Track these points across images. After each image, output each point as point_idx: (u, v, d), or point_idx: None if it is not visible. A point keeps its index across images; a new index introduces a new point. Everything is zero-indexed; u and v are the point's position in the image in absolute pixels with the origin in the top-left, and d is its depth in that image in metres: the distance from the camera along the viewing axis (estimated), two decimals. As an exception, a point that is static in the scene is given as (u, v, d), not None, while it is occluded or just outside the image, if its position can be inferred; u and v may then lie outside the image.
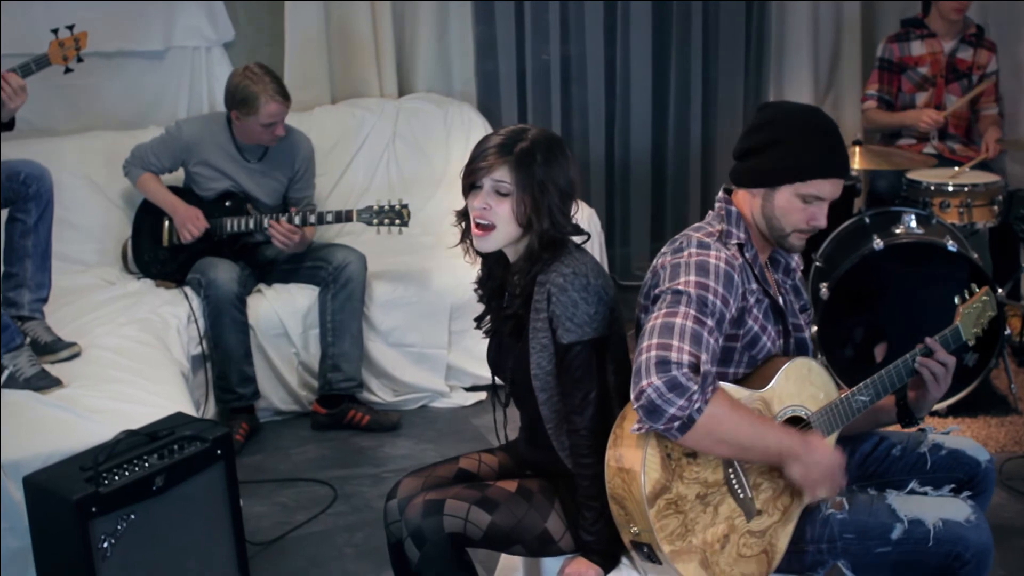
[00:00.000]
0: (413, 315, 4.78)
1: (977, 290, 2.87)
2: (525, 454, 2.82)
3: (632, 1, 6.04)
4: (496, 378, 2.83)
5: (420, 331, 4.80)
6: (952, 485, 2.66)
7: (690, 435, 2.31)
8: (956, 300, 2.84)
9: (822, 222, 2.57)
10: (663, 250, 2.60)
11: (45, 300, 3.98)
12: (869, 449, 2.80)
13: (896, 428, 2.81)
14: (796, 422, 2.58)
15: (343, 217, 4.56)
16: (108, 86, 5.26)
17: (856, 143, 4.76)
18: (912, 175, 4.92)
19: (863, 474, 2.78)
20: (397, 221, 4.51)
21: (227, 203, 4.66)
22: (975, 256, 4.40)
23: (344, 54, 5.61)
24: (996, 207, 4.81)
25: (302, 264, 4.70)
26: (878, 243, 4.34)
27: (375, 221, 4.52)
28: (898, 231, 4.48)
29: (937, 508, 2.51)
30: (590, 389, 2.55)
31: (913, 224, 4.50)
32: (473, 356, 4.84)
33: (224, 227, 4.62)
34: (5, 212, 3.93)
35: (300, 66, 5.44)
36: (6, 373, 3.62)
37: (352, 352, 4.59)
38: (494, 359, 2.78)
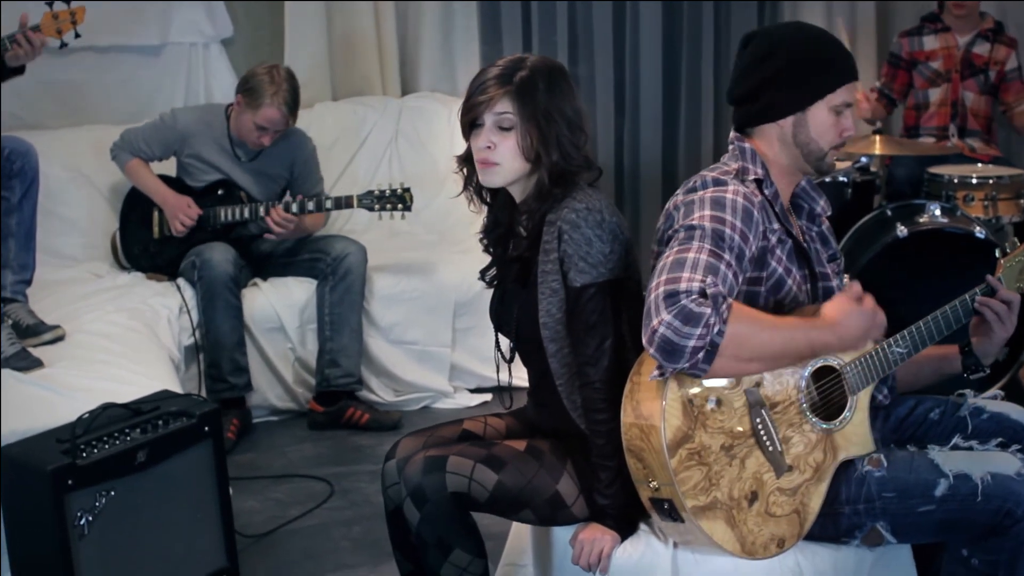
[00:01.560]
0: (415, 311, 4.59)
1: (1019, 244, 2.69)
2: (534, 418, 2.62)
3: (641, 1, 5.88)
4: (499, 334, 2.63)
5: (423, 328, 4.60)
6: (1000, 439, 2.44)
7: (718, 363, 2.12)
8: (997, 253, 2.66)
9: (852, 129, 2.45)
10: (676, 192, 2.42)
11: (28, 282, 3.81)
12: (905, 413, 2.60)
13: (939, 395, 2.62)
14: (827, 372, 2.38)
15: (343, 203, 4.38)
16: (101, 82, 5.11)
17: (877, 132, 4.59)
18: (934, 169, 4.74)
19: (899, 438, 2.57)
20: (400, 206, 4.33)
21: (219, 191, 4.48)
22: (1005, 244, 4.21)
23: (346, 52, 5.47)
24: (1023, 201, 4.62)
25: (299, 256, 4.51)
26: (902, 230, 4.15)
27: (376, 207, 4.33)
28: (922, 220, 4.28)
29: (984, 462, 2.30)
30: (605, 336, 2.35)
31: (937, 213, 4.31)
32: (478, 356, 4.64)
33: (218, 216, 4.44)
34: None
35: (300, 63, 5.27)
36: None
37: (351, 347, 4.39)
38: (496, 310, 2.58)
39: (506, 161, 2.40)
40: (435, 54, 5.61)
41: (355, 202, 4.37)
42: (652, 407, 2.21)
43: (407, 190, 4.37)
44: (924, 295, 4.24)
